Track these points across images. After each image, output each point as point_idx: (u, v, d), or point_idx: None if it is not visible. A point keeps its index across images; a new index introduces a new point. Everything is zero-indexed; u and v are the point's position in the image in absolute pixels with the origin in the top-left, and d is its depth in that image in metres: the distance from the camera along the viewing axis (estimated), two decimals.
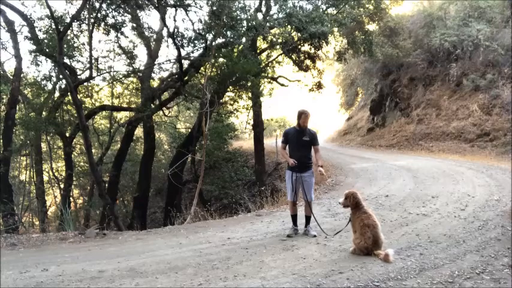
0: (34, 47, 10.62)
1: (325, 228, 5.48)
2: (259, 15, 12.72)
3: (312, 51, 14.46)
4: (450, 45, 16.48)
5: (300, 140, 5.17)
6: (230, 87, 12.56)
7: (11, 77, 12.17)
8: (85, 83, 12.52)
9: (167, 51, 66.15)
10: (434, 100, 17.53)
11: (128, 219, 13.65)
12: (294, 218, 5.34)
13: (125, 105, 15.41)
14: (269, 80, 16.09)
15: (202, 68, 12.33)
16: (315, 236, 5.08)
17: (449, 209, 6.21)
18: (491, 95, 15.01)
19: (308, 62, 15.17)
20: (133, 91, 15.22)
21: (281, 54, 14.88)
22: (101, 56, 13.48)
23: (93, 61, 10.78)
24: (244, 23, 11.63)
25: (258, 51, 14.13)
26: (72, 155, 13.79)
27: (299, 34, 12.19)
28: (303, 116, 5.24)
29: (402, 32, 18.41)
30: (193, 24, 13.28)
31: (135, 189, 14.40)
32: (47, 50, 10.35)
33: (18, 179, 16.69)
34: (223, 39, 11.76)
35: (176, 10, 11.23)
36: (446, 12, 17.87)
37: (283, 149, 5.35)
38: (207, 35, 11.47)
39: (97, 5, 10.47)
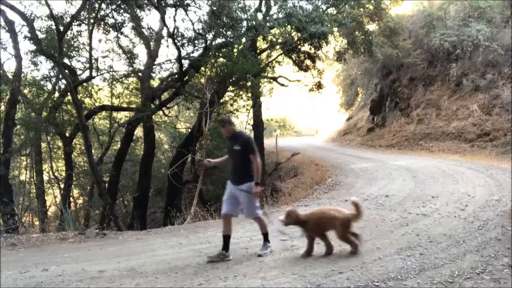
0: (34, 47, 10.62)
1: None
2: (259, 15, 12.73)
3: (312, 51, 14.49)
4: (450, 45, 16.47)
5: (231, 149, 4.46)
6: (230, 87, 12.56)
7: (11, 77, 12.16)
8: (85, 83, 12.53)
9: (167, 51, 66.16)
10: (434, 100, 17.52)
11: (128, 219, 13.63)
12: (225, 239, 4.35)
13: (124, 105, 15.40)
14: (269, 80, 16.10)
15: (202, 68, 12.33)
16: (260, 255, 4.38)
17: (449, 209, 6.21)
18: (491, 95, 15.00)
19: (308, 62, 15.20)
20: (133, 91, 15.22)
21: (281, 54, 14.90)
22: (101, 56, 13.52)
23: (93, 61, 10.78)
24: (244, 23, 11.64)
25: (258, 51, 14.14)
26: (72, 155, 13.77)
27: (299, 34, 12.21)
28: (220, 126, 4.68)
29: (402, 32, 18.41)
30: (193, 24, 13.27)
31: (135, 189, 14.38)
32: (47, 50, 10.34)
33: (18, 179, 16.68)
34: (223, 39, 11.76)
35: (176, 10, 11.23)
36: (446, 12, 17.85)
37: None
38: (207, 35, 11.47)
39: (97, 5, 10.47)
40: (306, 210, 4.44)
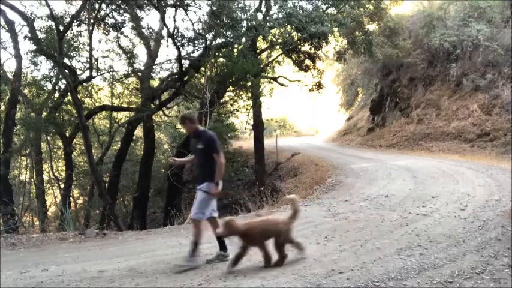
0: (34, 47, 10.62)
1: (325, 228, 5.49)
2: (259, 15, 12.73)
3: (312, 51, 14.49)
4: (450, 45, 16.47)
5: (195, 147, 4.34)
6: (230, 87, 12.56)
7: (11, 77, 12.17)
8: (85, 83, 12.53)
9: (167, 51, 66.18)
10: (434, 100, 17.52)
11: (128, 219, 13.64)
12: (218, 240, 4.24)
13: (124, 105, 15.41)
14: (269, 80, 16.10)
15: (202, 68, 12.34)
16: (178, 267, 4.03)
17: (449, 209, 6.21)
18: (491, 95, 15.00)
19: (308, 62, 15.20)
20: (133, 91, 15.22)
21: (281, 54, 14.90)
22: (101, 56, 13.52)
23: (93, 61, 10.78)
24: (244, 23, 11.64)
25: (258, 51, 14.14)
26: (72, 155, 13.78)
27: (299, 34, 12.20)
28: (181, 123, 4.50)
29: (402, 32, 18.41)
30: (193, 24, 13.28)
31: (135, 189, 14.39)
32: (47, 50, 10.35)
33: (18, 179, 16.68)
34: (223, 39, 11.76)
35: (176, 10, 11.23)
36: (446, 12, 17.85)
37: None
38: (207, 35, 11.48)
39: (97, 5, 10.48)
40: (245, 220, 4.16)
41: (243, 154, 18.30)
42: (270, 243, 3.94)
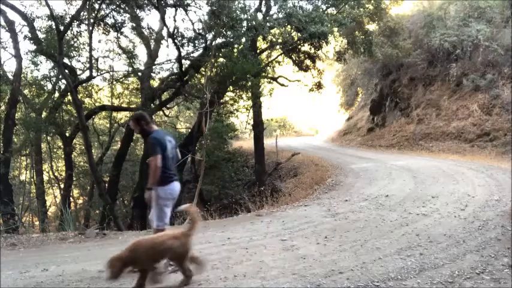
0: (34, 47, 10.64)
1: (325, 228, 5.49)
2: (259, 15, 12.73)
3: (312, 51, 14.48)
4: (450, 45, 16.46)
5: None
6: (230, 87, 12.58)
7: (11, 77, 12.18)
8: (85, 83, 12.54)
9: (167, 51, 66.33)
10: (434, 100, 17.52)
11: (128, 219, 13.64)
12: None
13: (124, 105, 15.41)
14: (269, 80, 16.10)
15: (202, 68, 12.34)
16: None
17: (449, 209, 6.20)
18: (491, 95, 15.00)
19: (308, 62, 15.20)
20: (133, 91, 15.23)
21: (281, 54, 14.90)
22: (101, 56, 13.55)
23: (93, 61, 10.80)
24: (244, 23, 11.64)
25: (258, 51, 14.14)
26: (72, 155, 13.79)
27: (299, 34, 12.20)
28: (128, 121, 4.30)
29: (402, 32, 18.40)
30: (193, 24, 13.30)
31: (135, 189, 14.40)
32: (47, 50, 10.36)
33: (18, 179, 16.69)
34: (223, 39, 11.77)
35: (176, 10, 11.24)
36: (446, 12, 17.85)
37: None
38: (207, 35, 11.49)
39: (97, 5, 10.49)
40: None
41: (243, 154, 18.30)
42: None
